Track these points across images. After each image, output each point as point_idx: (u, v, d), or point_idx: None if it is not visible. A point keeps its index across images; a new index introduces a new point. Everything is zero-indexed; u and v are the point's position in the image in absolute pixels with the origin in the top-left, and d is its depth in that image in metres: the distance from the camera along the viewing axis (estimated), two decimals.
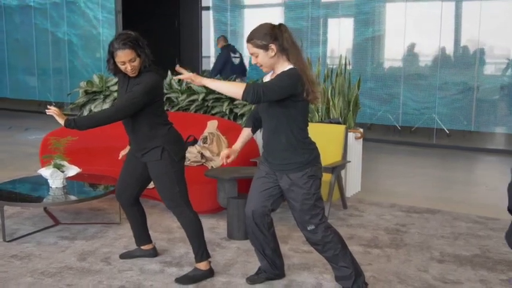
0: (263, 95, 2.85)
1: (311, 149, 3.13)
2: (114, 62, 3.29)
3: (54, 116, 3.21)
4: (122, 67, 3.27)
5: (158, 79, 3.36)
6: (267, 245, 3.35)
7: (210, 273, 3.55)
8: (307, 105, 3.07)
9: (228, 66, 9.33)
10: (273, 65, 3.03)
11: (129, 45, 3.21)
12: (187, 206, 3.48)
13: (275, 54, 2.98)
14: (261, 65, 3.03)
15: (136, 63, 3.26)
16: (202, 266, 3.53)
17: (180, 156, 3.48)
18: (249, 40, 2.99)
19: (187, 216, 3.48)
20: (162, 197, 3.48)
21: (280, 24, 3.03)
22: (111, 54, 3.26)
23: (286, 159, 3.07)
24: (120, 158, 3.76)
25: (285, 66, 3.01)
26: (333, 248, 3.15)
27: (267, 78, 3.16)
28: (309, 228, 3.10)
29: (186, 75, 3.00)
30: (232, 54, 9.55)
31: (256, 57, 3.00)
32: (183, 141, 3.56)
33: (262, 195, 3.21)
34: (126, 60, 3.22)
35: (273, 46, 2.96)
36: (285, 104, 2.96)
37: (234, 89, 2.92)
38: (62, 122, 3.19)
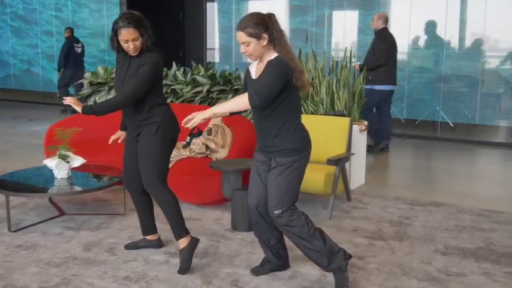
0: (268, 94, 2.91)
1: (302, 136, 3.16)
2: (117, 40, 3.35)
3: (71, 105, 3.31)
4: (125, 45, 3.34)
5: (160, 59, 3.45)
6: (271, 234, 3.36)
7: (195, 242, 3.58)
8: (298, 92, 3.11)
9: (71, 54, 10.99)
10: (262, 54, 3.06)
11: (133, 25, 3.29)
12: (164, 187, 3.52)
13: (267, 43, 3.02)
14: (251, 54, 3.05)
15: (138, 42, 3.34)
16: (184, 241, 3.54)
17: (174, 135, 3.56)
18: (243, 29, 2.99)
19: (164, 197, 3.52)
20: (143, 173, 3.51)
21: (270, 14, 3.07)
22: (115, 32, 3.33)
23: (277, 146, 3.11)
24: (109, 142, 3.78)
25: (271, 55, 3.05)
26: (297, 233, 3.15)
27: (253, 67, 3.20)
28: (275, 212, 3.11)
29: (196, 119, 2.98)
30: (75, 44, 11.13)
31: (247, 46, 3.01)
32: (178, 123, 3.61)
33: (263, 185, 3.23)
34: (129, 38, 3.30)
35: (265, 35, 3.00)
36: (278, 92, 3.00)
37: (240, 102, 2.98)
38: (79, 109, 3.29)
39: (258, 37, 2.98)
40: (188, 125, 3.01)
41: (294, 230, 3.15)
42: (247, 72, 3.25)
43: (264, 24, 2.99)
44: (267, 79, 2.95)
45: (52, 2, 12.25)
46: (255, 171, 3.29)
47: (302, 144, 3.14)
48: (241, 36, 3.00)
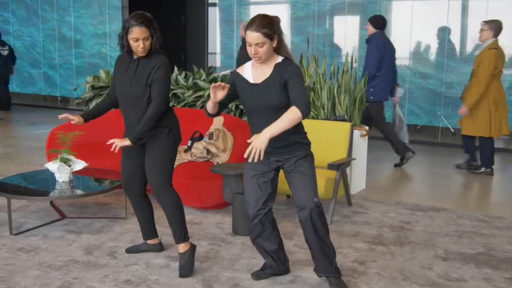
0: (308, 99, 2.98)
1: (306, 134, 3.24)
2: (127, 39, 3.36)
3: (121, 145, 3.34)
4: (134, 44, 3.34)
5: (168, 61, 3.48)
6: (274, 240, 3.37)
7: (194, 248, 3.60)
8: None
9: None
10: (269, 57, 3.05)
11: (145, 24, 3.32)
12: (172, 189, 3.55)
13: (276, 45, 3.02)
14: (260, 56, 3.01)
15: (148, 42, 3.36)
16: (185, 246, 3.56)
17: (180, 140, 3.62)
18: (260, 29, 2.94)
19: (171, 197, 3.52)
20: (153, 175, 3.50)
21: (276, 16, 3.08)
22: (126, 31, 3.34)
23: (294, 143, 3.13)
24: (62, 117, 3.64)
25: (275, 57, 3.06)
26: (324, 225, 3.19)
27: (246, 71, 3.15)
28: (315, 200, 3.12)
29: (259, 149, 2.83)
30: (1, 47, 11.70)
31: (261, 47, 2.97)
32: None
33: (263, 196, 3.24)
34: (140, 37, 3.31)
35: (276, 36, 3.00)
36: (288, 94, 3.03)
37: (292, 117, 2.89)
38: (128, 143, 3.35)
39: (272, 38, 2.98)
40: (254, 158, 2.85)
41: (324, 219, 3.18)
42: (239, 76, 3.18)
43: (276, 26, 3.00)
44: (300, 86, 2.95)
45: (55, 7, 12.28)
46: (253, 182, 3.26)
47: (309, 141, 3.22)
48: (257, 37, 2.94)
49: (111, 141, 3.35)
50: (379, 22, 6.90)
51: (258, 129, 3.10)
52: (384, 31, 6.90)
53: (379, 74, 6.64)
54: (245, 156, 2.88)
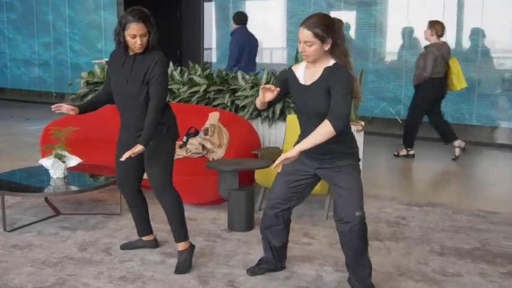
0: (347, 113, 2.86)
1: (355, 142, 3.13)
2: (124, 35, 3.30)
3: (135, 152, 3.27)
4: (132, 41, 3.28)
5: (165, 57, 3.44)
6: (282, 238, 3.38)
7: (192, 248, 3.60)
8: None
9: None
10: (318, 58, 2.94)
11: (143, 20, 3.26)
12: (171, 186, 3.52)
13: (328, 49, 2.91)
14: (308, 56, 2.92)
15: (145, 39, 3.30)
16: (185, 245, 3.55)
17: (178, 136, 3.58)
18: (311, 28, 2.86)
19: (171, 196, 3.50)
20: (154, 174, 3.46)
21: (339, 20, 2.98)
22: (123, 27, 3.27)
23: (340, 152, 3.02)
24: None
25: (328, 61, 2.95)
26: (366, 237, 3.15)
27: (299, 70, 3.07)
28: (357, 214, 3.05)
29: (280, 160, 2.86)
30: None
31: (309, 46, 2.88)
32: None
33: (288, 193, 3.21)
34: (138, 34, 3.26)
35: (330, 40, 2.89)
36: None
37: (324, 132, 2.84)
38: (141, 148, 3.27)
39: (323, 40, 2.87)
40: (277, 166, 2.89)
41: (365, 233, 3.12)
42: (292, 74, 3.10)
43: (332, 29, 2.89)
44: (341, 96, 2.84)
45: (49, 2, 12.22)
46: (288, 178, 3.18)
47: (357, 149, 3.12)
48: (307, 35, 2.86)
49: (124, 157, 3.28)
50: (240, 18, 7.80)
51: (303, 132, 3.04)
52: (246, 26, 7.76)
53: (239, 66, 7.16)
54: (272, 167, 2.92)
